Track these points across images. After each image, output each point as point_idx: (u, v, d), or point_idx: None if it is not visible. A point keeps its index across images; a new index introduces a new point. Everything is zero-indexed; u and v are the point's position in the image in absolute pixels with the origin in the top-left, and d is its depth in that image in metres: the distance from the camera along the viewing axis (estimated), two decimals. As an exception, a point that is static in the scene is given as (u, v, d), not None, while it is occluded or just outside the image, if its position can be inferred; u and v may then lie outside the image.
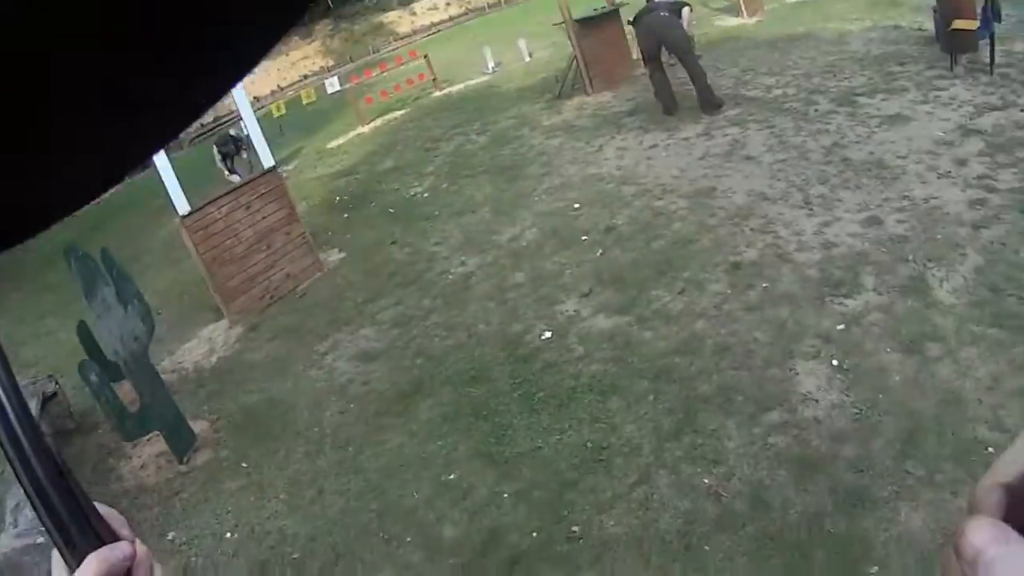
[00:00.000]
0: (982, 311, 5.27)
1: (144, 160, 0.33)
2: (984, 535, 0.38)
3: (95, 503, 0.57)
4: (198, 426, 6.15)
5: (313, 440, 5.77)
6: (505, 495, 4.81)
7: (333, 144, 14.17)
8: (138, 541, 0.61)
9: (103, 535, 0.57)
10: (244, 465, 5.70)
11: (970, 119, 7.96)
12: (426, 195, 10.07)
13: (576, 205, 8.36)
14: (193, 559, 4.94)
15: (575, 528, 4.45)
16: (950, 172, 7.02)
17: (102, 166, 0.30)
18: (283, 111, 14.76)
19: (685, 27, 10.22)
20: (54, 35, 0.21)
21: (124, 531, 0.60)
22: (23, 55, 0.21)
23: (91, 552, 0.56)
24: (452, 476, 5.07)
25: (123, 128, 0.28)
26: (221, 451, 5.92)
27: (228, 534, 5.09)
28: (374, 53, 26.31)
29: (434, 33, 29.25)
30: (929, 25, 10.83)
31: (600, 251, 7.22)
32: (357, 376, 6.39)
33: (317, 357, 6.84)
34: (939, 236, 6.14)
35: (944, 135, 7.75)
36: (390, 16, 30.86)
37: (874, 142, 8.00)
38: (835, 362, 5.13)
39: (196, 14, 0.24)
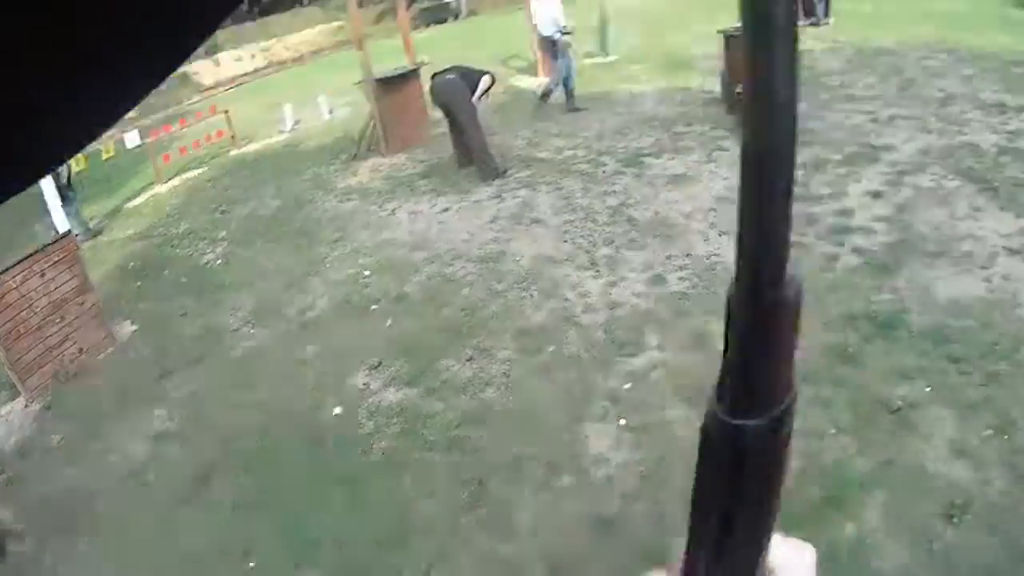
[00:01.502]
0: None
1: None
2: None
3: None
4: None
5: (113, 533, 5.23)
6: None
7: (131, 204, 13.31)
8: None
9: None
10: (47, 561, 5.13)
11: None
12: (219, 262, 9.56)
13: (367, 272, 8.12)
14: None
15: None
16: (728, 231, 7.33)
17: None
18: (83, 165, 13.30)
19: (478, 95, 10.28)
20: None
21: None
22: None
23: None
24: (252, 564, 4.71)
25: None
26: (23, 546, 5.31)
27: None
28: (176, 106, 24.94)
29: (237, 86, 28.28)
30: (717, 87, 11.42)
31: (390, 321, 7.01)
32: (151, 461, 5.91)
33: (112, 440, 6.28)
34: (719, 291, 6.35)
35: (727, 193, 8.07)
36: (194, 66, 29.61)
37: (660, 202, 8.27)
38: (623, 421, 5.16)
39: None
